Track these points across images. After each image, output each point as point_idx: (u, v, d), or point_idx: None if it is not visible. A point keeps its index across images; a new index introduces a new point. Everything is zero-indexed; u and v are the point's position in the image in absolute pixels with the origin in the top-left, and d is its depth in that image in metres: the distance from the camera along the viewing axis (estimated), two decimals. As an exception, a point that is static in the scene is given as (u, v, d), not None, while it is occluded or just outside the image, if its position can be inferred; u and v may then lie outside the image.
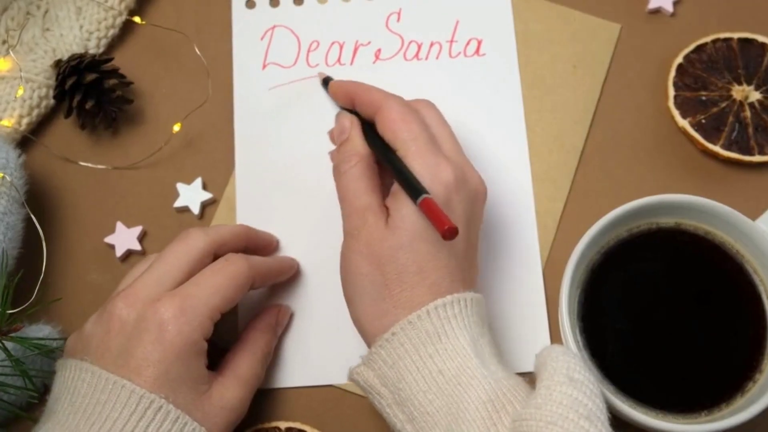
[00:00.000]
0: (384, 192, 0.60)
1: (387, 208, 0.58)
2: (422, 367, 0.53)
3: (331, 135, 0.65)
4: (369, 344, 0.57)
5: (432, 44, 0.72)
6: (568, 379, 0.49)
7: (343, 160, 0.60)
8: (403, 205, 0.56)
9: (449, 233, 0.52)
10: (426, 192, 0.55)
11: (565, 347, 0.56)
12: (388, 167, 0.59)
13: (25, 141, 0.69)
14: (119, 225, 0.67)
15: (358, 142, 0.61)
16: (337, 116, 0.64)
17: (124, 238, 0.66)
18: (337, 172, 0.60)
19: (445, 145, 0.60)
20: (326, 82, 0.69)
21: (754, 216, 0.60)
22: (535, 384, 0.51)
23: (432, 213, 0.53)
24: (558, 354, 0.52)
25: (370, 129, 0.62)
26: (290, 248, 0.66)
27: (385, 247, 0.56)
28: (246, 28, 0.72)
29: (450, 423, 0.51)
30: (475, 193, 0.59)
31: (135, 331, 0.54)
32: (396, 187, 0.58)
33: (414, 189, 0.55)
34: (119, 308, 0.55)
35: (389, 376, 0.54)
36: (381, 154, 0.60)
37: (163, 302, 0.54)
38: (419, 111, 0.61)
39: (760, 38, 0.69)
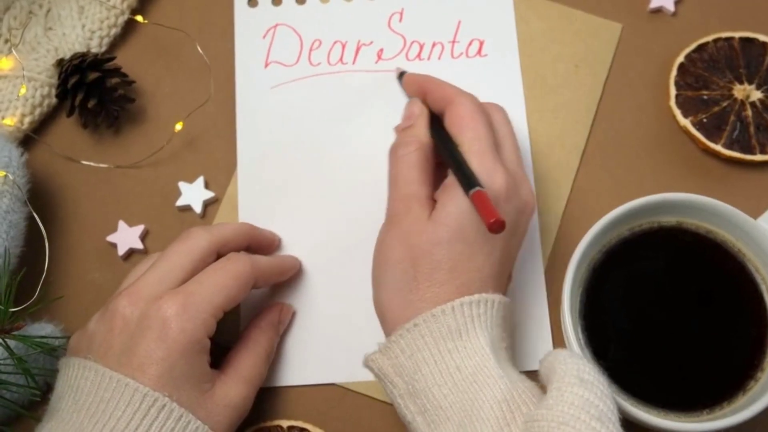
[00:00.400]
0: (434, 186, 0.60)
1: (434, 202, 0.58)
2: (440, 361, 0.53)
3: (398, 129, 0.65)
4: (387, 332, 0.57)
5: (434, 44, 0.72)
6: (578, 380, 0.49)
7: (403, 144, 0.60)
8: (450, 201, 0.56)
9: (496, 225, 0.52)
10: (481, 186, 0.55)
11: (570, 350, 0.56)
12: (447, 159, 0.59)
13: (28, 140, 0.69)
14: (121, 224, 0.67)
15: (421, 130, 0.61)
16: (408, 103, 0.64)
17: (126, 236, 0.67)
18: (394, 155, 0.61)
19: (507, 152, 0.60)
20: (402, 76, 0.68)
21: (755, 215, 0.60)
22: (545, 388, 0.52)
23: (482, 205, 0.54)
24: (565, 357, 0.52)
25: (436, 122, 0.62)
26: (292, 247, 0.66)
27: (423, 240, 0.56)
28: (248, 26, 0.72)
29: (463, 419, 0.51)
30: (523, 205, 0.59)
31: (138, 329, 0.54)
32: (448, 181, 0.58)
33: (469, 180, 0.56)
34: (122, 306, 0.55)
35: (406, 366, 0.54)
36: (442, 146, 0.60)
37: (165, 300, 0.54)
38: (489, 114, 0.61)
39: (762, 37, 0.69)
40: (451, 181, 0.58)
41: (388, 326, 0.57)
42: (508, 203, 0.57)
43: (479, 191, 0.54)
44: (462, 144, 0.59)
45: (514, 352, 0.60)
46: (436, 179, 0.60)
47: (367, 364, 0.57)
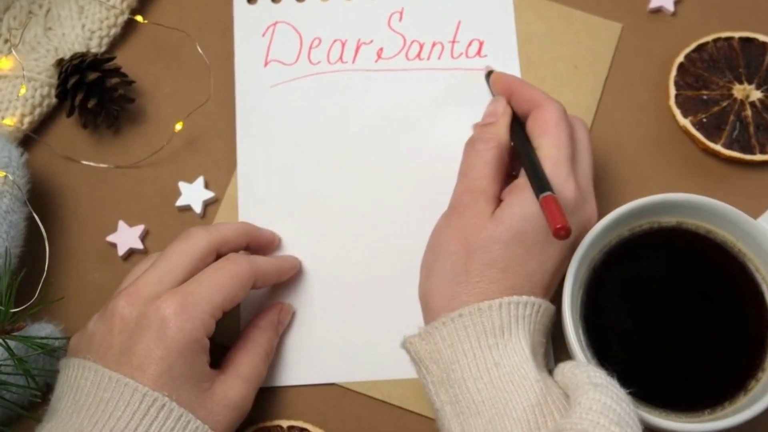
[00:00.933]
0: (503, 188, 0.60)
1: (500, 202, 0.58)
2: (479, 356, 0.54)
3: (479, 125, 0.64)
4: (428, 320, 0.57)
5: (434, 44, 0.72)
6: (592, 386, 0.49)
7: (482, 139, 0.61)
8: (517, 202, 0.57)
9: (562, 231, 0.52)
10: (553, 192, 0.55)
11: (574, 359, 0.56)
12: (523, 160, 0.59)
13: (28, 140, 0.69)
14: (121, 224, 0.67)
15: (502, 129, 0.61)
16: (492, 101, 0.65)
17: (126, 236, 0.66)
18: (471, 149, 0.61)
19: (581, 167, 0.60)
20: (489, 74, 0.68)
21: (755, 215, 0.60)
22: None
23: (550, 209, 0.53)
24: (570, 367, 0.52)
25: (516, 124, 0.62)
26: (292, 246, 0.66)
27: (482, 236, 0.56)
28: (247, 23, 0.72)
29: (494, 416, 0.51)
30: (586, 222, 0.59)
31: (137, 329, 0.54)
32: (519, 182, 0.58)
33: (542, 184, 0.56)
34: (121, 306, 0.55)
35: (444, 354, 0.55)
36: (520, 147, 0.60)
37: (164, 299, 0.54)
38: (573, 126, 0.61)
39: (761, 37, 0.69)
40: (521, 182, 0.58)
41: (430, 315, 0.57)
42: (573, 217, 0.57)
43: (551, 196, 0.54)
44: (540, 148, 0.59)
45: (550, 359, 0.61)
46: (506, 182, 0.60)
47: (404, 345, 0.58)
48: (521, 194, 0.57)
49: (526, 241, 0.56)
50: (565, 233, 0.52)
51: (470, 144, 0.61)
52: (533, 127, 0.60)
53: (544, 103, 0.61)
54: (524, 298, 0.55)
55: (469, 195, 0.59)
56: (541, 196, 0.55)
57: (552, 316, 0.59)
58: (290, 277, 0.65)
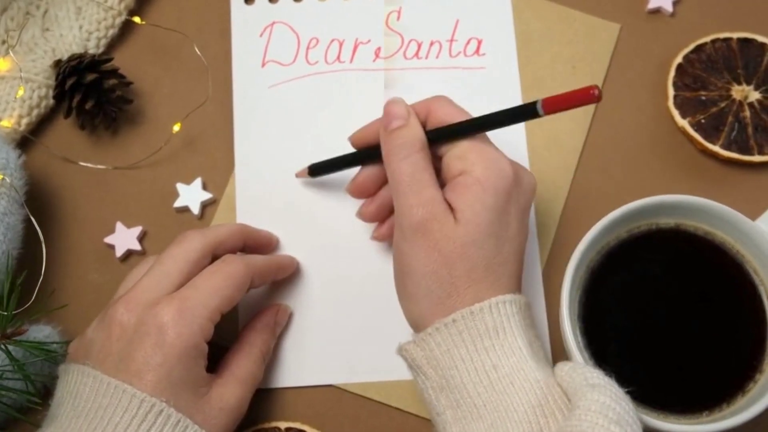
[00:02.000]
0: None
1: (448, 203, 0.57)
2: (476, 359, 0.53)
3: (387, 130, 0.60)
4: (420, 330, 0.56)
5: (432, 43, 0.72)
6: (589, 387, 0.49)
7: (404, 145, 0.58)
8: (476, 200, 0.55)
9: (597, 93, 0.52)
10: (536, 101, 0.55)
11: (572, 361, 0.56)
12: (473, 130, 0.58)
13: (25, 141, 0.68)
14: (119, 225, 0.67)
15: (418, 129, 0.58)
16: (388, 103, 0.60)
17: (124, 238, 0.66)
18: (396, 159, 0.58)
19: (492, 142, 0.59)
20: (314, 171, 0.66)
21: (753, 216, 0.60)
22: None
23: (564, 99, 0.53)
24: (567, 369, 0.52)
25: None
26: (290, 248, 0.66)
27: (457, 245, 0.55)
28: (245, 24, 0.72)
29: (495, 419, 0.51)
30: (531, 187, 0.59)
31: (136, 336, 0.54)
32: (461, 181, 0.56)
33: (526, 108, 0.56)
34: (120, 313, 0.55)
35: (441, 360, 0.54)
36: (443, 135, 0.58)
37: (162, 306, 0.55)
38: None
39: (760, 38, 0.69)
40: (461, 180, 0.56)
41: (421, 329, 0.56)
42: (518, 188, 0.57)
43: (545, 98, 0.54)
44: (462, 141, 0.58)
45: (545, 353, 0.61)
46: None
47: (400, 352, 0.57)
48: (472, 193, 0.55)
49: (494, 231, 0.55)
50: (599, 90, 0.52)
51: (394, 154, 0.58)
52: (443, 125, 0.59)
53: (436, 102, 0.59)
54: (509, 296, 0.55)
55: (422, 208, 0.56)
56: (539, 107, 0.55)
57: (531, 310, 0.58)
58: (287, 278, 0.65)
